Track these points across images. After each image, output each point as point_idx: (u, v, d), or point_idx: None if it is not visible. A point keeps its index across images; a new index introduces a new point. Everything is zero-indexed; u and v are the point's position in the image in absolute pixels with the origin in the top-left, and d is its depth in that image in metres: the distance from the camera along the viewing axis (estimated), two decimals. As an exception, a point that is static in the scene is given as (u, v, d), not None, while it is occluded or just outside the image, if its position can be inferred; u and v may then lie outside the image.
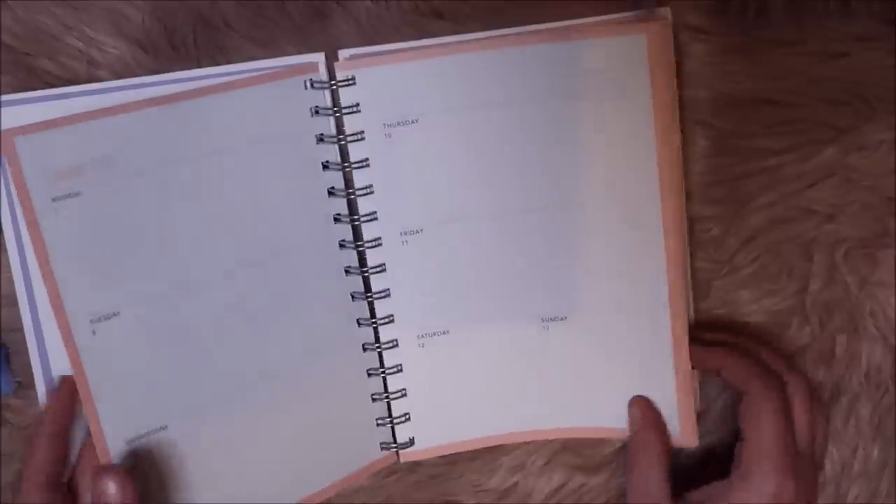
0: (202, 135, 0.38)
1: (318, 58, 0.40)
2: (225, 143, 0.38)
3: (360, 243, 0.41)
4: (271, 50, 0.41)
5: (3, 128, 0.39)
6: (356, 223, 0.40)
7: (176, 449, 0.38)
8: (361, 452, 0.42)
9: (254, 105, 0.39)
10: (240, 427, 0.39)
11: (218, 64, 0.40)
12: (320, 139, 0.40)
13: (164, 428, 0.37)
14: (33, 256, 0.40)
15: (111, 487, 0.35)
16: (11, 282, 0.40)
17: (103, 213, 0.36)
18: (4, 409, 0.42)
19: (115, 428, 0.36)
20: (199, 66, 0.40)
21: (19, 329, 0.40)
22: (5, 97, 0.39)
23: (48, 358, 0.41)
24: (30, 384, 0.41)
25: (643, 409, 0.40)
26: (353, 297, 0.41)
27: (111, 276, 0.36)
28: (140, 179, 0.37)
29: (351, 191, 0.40)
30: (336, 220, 0.40)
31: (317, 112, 0.40)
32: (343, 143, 0.40)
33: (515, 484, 0.44)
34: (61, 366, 0.41)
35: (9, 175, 0.40)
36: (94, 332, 0.36)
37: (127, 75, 0.41)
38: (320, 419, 0.41)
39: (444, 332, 0.41)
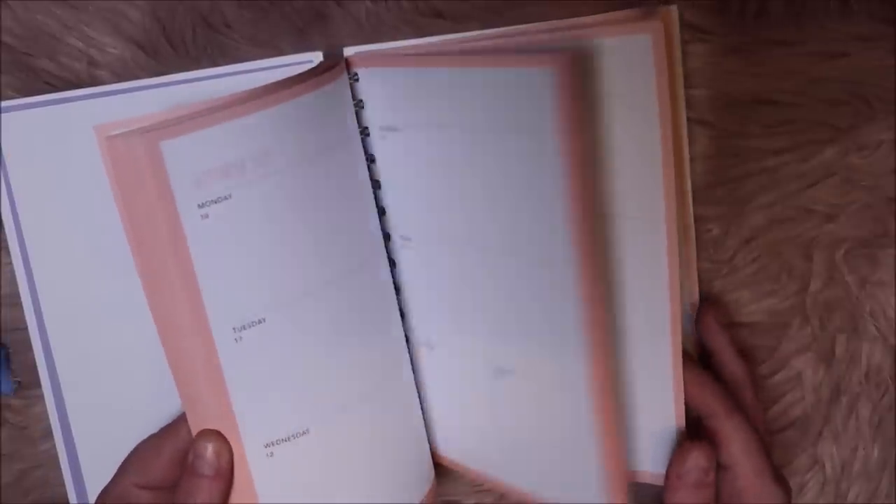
0: (311, 135, 0.36)
1: (316, 56, 0.40)
2: (327, 142, 0.36)
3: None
4: (271, 50, 0.41)
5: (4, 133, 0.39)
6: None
7: (312, 452, 0.36)
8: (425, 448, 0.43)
9: (334, 103, 0.37)
10: (366, 426, 0.38)
11: (217, 64, 0.40)
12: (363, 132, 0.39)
13: (305, 432, 0.36)
14: (37, 256, 0.40)
15: (209, 449, 0.33)
16: (11, 281, 0.40)
17: (249, 215, 0.33)
18: (4, 409, 0.42)
19: (252, 433, 0.35)
20: (199, 66, 0.41)
21: (19, 329, 0.40)
22: (6, 103, 0.39)
23: (53, 357, 0.41)
24: (29, 384, 0.41)
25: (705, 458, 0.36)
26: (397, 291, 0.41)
27: (258, 280, 0.34)
28: (279, 178, 0.34)
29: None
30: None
31: (361, 106, 0.38)
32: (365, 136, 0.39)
33: (515, 484, 0.44)
34: (67, 365, 0.41)
35: (4, 175, 0.40)
36: (236, 340, 0.34)
37: (126, 75, 0.41)
38: (409, 413, 0.42)
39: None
